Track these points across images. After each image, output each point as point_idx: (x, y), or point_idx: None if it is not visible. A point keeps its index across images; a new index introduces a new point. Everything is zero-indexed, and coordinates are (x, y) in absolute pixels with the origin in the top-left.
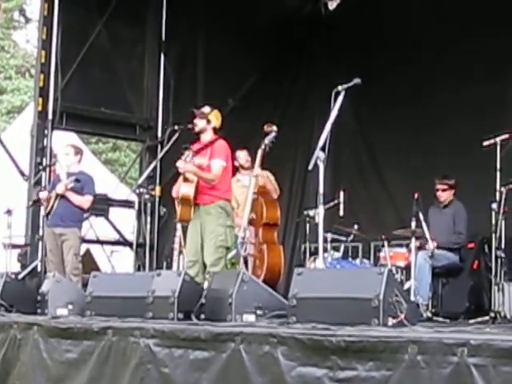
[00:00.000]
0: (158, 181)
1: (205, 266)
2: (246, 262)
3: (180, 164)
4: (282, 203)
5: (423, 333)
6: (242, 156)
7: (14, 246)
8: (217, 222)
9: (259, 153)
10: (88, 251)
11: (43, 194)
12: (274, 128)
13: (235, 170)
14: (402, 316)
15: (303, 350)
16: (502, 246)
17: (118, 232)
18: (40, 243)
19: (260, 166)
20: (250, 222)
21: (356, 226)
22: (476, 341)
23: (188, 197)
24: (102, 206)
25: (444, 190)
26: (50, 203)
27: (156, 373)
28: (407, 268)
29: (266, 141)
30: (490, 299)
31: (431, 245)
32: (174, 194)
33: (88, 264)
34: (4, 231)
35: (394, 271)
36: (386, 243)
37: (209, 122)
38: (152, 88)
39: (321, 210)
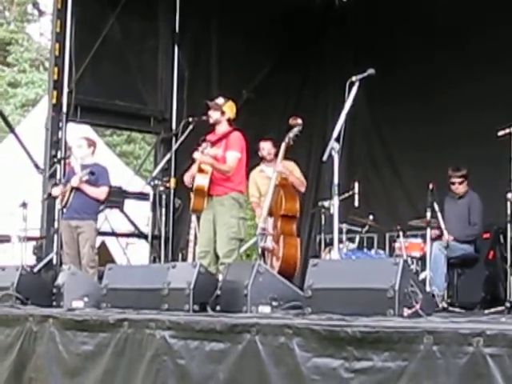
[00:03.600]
0: (172, 173)
1: (217, 257)
2: (263, 254)
3: (197, 155)
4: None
5: (439, 323)
6: (266, 148)
7: (30, 239)
8: (230, 214)
9: (283, 146)
10: (103, 243)
11: (56, 191)
12: (299, 121)
13: (260, 159)
14: (418, 306)
15: (319, 340)
16: None
17: (133, 224)
18: (55, 236)
19: (282, 160)
20: (270, 215)
21: (371, 217)
22: (492, 331)
23: (202, 188)
24: (116, 198)
25: (460, 183)
26: (66, 196)
27: (172, 364)
28: (422, 258)
29: (291, 134)
30: (505, 289)
31: (446, 236)
32: (185, 179)
33: (103, 256)
34: (19, 224)
35: (410, 262)
36: (401, 234)
37: (223, 113)
38: (166, 80)
39: (336, 200)
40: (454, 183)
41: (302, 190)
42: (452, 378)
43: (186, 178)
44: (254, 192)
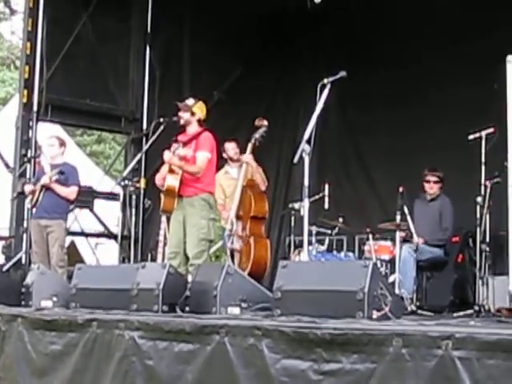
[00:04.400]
0: (142, 173)
1: (187, 258)
2: (232, 256)
3: (166, 156)
4: (267, 196)
5: (408, 326)
6: (231, 148)
7: None
8: (200, 215)
9: (249, 146)
10: (72, 243)
11: (28, 188)
12: (265, 123)
13: (224, 161)
14: (387, 309)
15: (288, 342)
16: (487, 239)
17: (103, 224)
18: (25, 235)
19: (250, 154)
20: (238, 217)
21: (341, 219)
22: (460, 334)
23: (173, 188)
24: (86, 198)
25: (435, 182)
26: (35, 196)
27: (140, 365)
28: (392, 261)
29: (257, 135)
30: (474, 293)
31: (416, 239)
32: (157, 181)
33: (72, 256)
34: None
35: (379, 264)
36: (370, 236)
37: (193, 114)
38: (137, 80)
39: (306, 202)
40: (429, 181)
41: (263, 188)
42: (421, 380)
43: (158, 181)
44: (220, 194)
